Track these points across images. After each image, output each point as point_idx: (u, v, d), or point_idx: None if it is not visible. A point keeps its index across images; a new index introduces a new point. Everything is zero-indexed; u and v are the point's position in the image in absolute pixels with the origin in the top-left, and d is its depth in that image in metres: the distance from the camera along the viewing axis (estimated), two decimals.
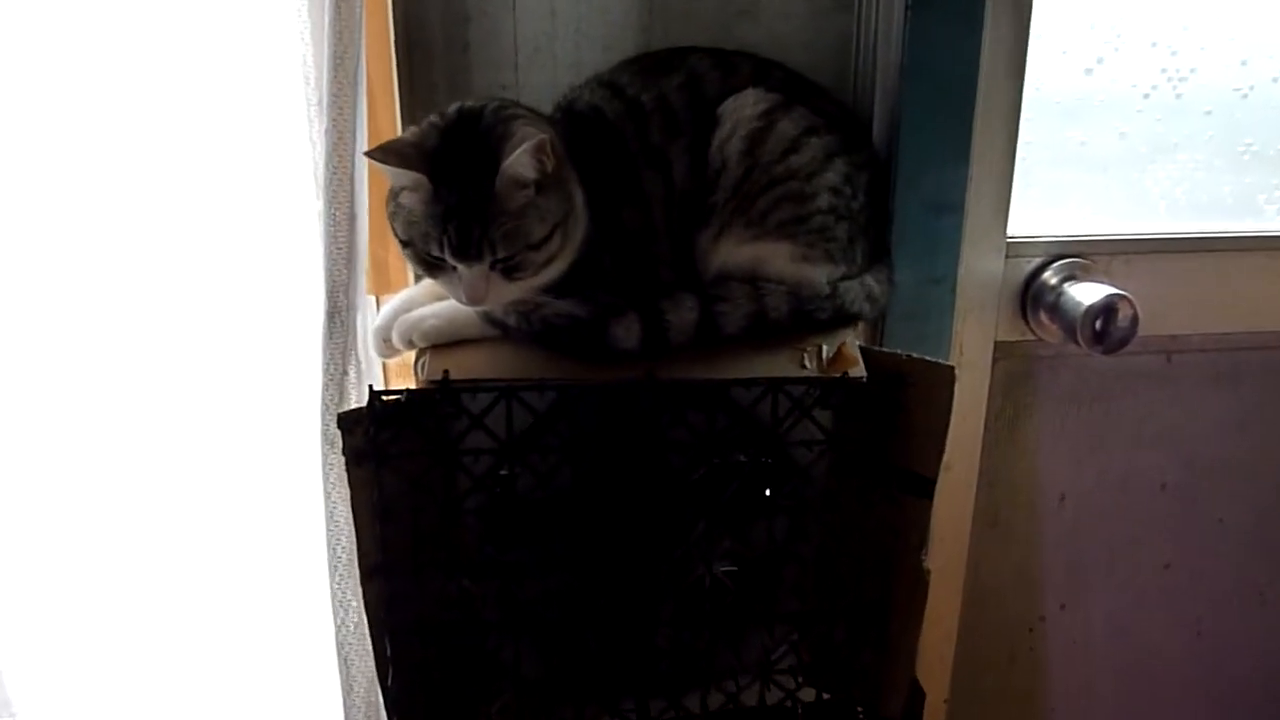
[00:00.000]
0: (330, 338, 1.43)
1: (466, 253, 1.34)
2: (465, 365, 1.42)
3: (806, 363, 1.52)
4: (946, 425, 1.41)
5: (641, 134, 1.51)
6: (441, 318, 1.52)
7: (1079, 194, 1.94)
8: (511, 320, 1.47)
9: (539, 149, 1.30)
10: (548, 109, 1.53)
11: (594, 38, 1.67)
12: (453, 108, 1.41)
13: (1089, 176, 1.93)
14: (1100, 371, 2.02)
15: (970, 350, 1.90)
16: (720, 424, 1.42)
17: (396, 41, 1.57)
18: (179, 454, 1.83)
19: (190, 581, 1.91)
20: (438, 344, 1.49)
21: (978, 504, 2.00)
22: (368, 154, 1.33)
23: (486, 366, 1.43)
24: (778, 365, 1.45)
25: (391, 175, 1.33)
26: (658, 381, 1.40)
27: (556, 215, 1.37)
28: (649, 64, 1.58)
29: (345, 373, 1.48)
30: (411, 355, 1.50)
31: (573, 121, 1.50)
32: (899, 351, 1.48)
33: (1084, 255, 1.91)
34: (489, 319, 1.47)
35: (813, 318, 1.51)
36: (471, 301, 1.38)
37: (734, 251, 1.53)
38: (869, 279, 1.61)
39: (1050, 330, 1.91)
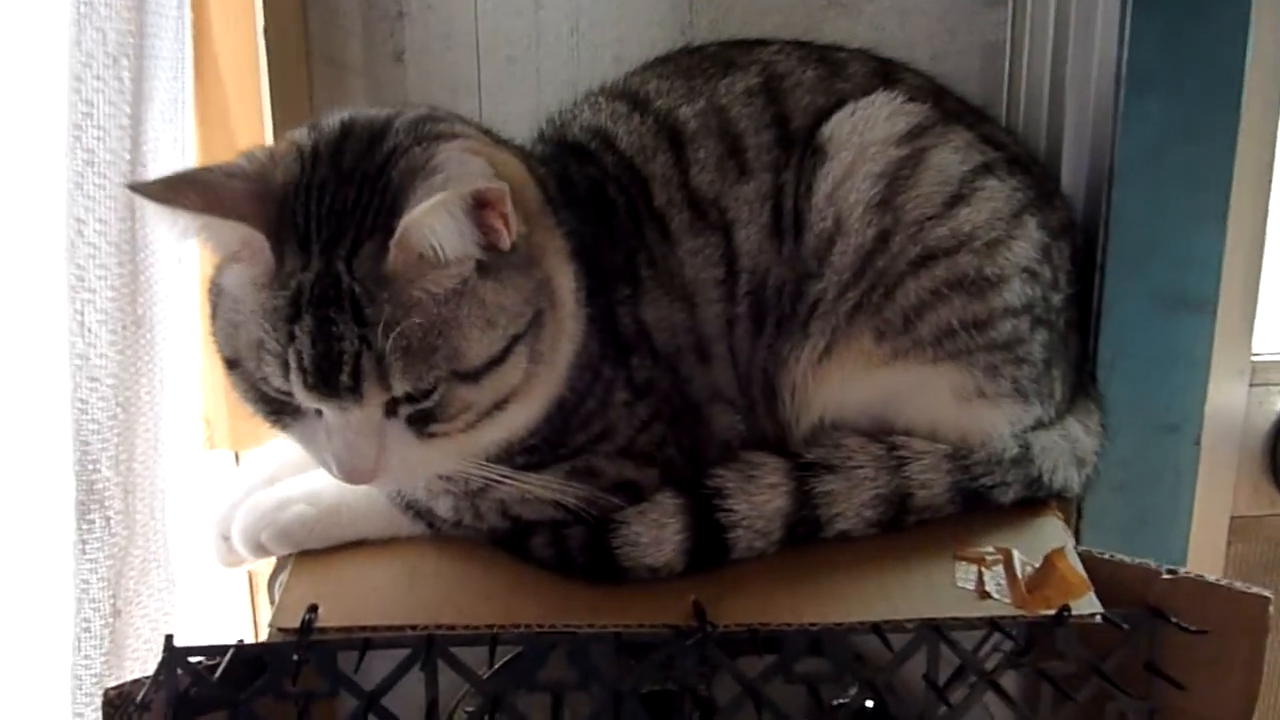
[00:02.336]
0: (83, 549, 0.89)
1: (332, 386, 0.83)
2: (354, 594, 0.98)
3: (988, 585, 1.01)
4: (1253, 696, 0.99)
5: (679, 175, 1.05)
6: (318, 503, 1.02)
7: None
8: (445, 509, 1.01)
9: (481, 202, 0.82)
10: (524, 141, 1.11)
11: (600, 41, 1.33)
12: (335, 118, 0.92)
13: None
14: None
15: (1195, 528, 1.38)
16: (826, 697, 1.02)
17: (272, 43, 1.18)
18: None
19: None
20: (308, 549, 1.02)
21: None
22: (132, 187, 0.82)
23: (394, 597, 0.97)
24: (929, 589, 1.01)
25: (203, 235, 0.84)
26: (712, 629, 0.93)
27: (517, 318, 0.89)
28: (692, 62, 1.13)
29: (116, 609, 0.91)
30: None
31: (564, 161, 1.05)
32: (1147, 562, 1.04)
33: None
34: (407, 505, 1.03)
35: (990, 499, 1.06)
36: (351, 476, 0.87)
37: (853, 382, 1.06)
38: (1073, 426, 1.16)
39: None
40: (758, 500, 0.98)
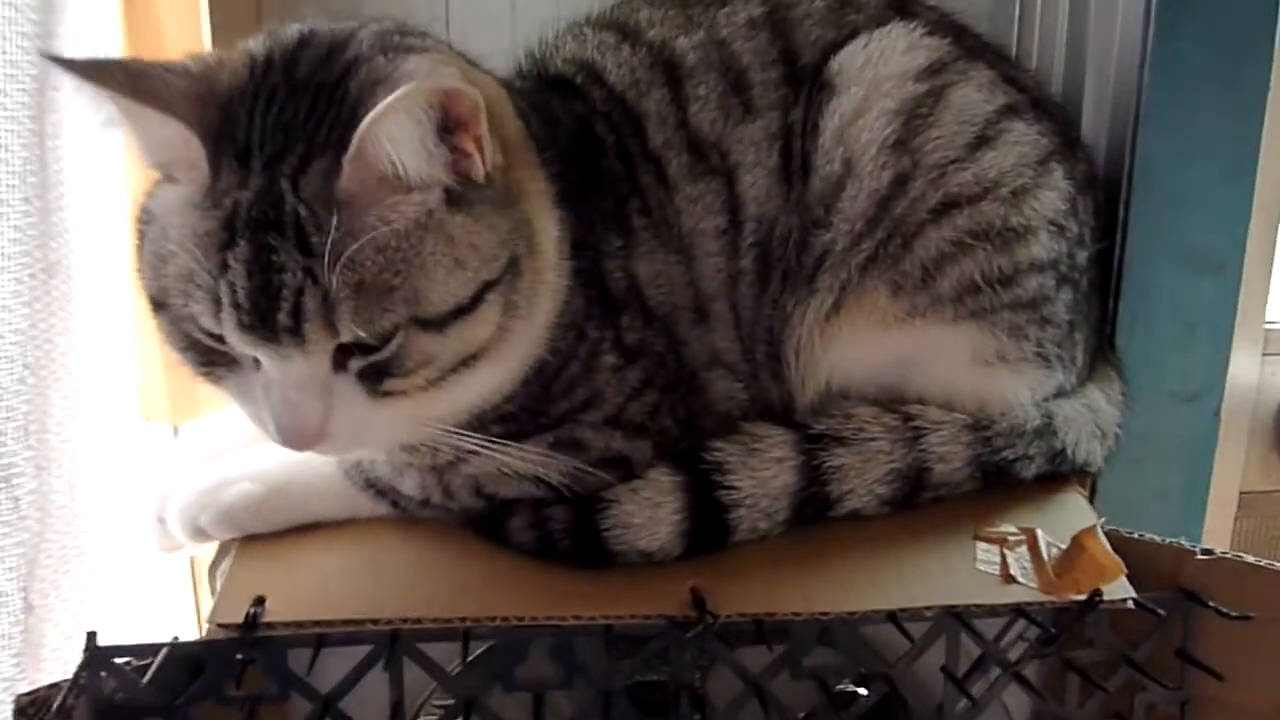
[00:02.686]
0: None
1: (270, 327, 0.71)
2: (307, 584, 0.86)
3: (1012, 568, 0.91)
4: None
5: (676, 114, 0.94)
6: (265, 480, 0.90)
7: None
8: (411, 486, 0.90)
9: (450, 115, 0.71)
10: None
11: None
12: (293, 28, 0.80)
13: None
14: None
15: None
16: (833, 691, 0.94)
17: None
18: None
19: None
20: (254, 533, 0.90)
21: None
22: (52, 58, 0.72)
23: (353, 587, 0.86)
24: (948, 573, 0.92)
25: (131, 130, 0.72)
26: (714, 620, 0.83)
27: (491, 261, 0.77)
28: None
29: (29, 603, 0.79)
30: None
31: (545, 96, 0.93)
32: (1179, 541, 0.96)
33: None
34: (367, 481, 0.91)
35: (1011, 473, 0.98)
36: (291, 439, 0.75)
37: (865, 343, 0.96)
38: (1094, 395, 1.07)
39: None
40: (762, 476, 0.88)
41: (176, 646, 0.82)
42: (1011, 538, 0.94)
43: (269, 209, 0.70)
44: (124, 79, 0.70)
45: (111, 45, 0.89)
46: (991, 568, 0.92)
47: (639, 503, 0.86)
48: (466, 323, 0.75)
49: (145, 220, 0.75)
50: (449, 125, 0.70)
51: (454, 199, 0.73)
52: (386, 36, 0.79)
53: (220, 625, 0.81)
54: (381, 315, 0.71)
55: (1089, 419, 1.02)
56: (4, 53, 0.69)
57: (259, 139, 0.72)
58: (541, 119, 0.87)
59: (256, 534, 0.90)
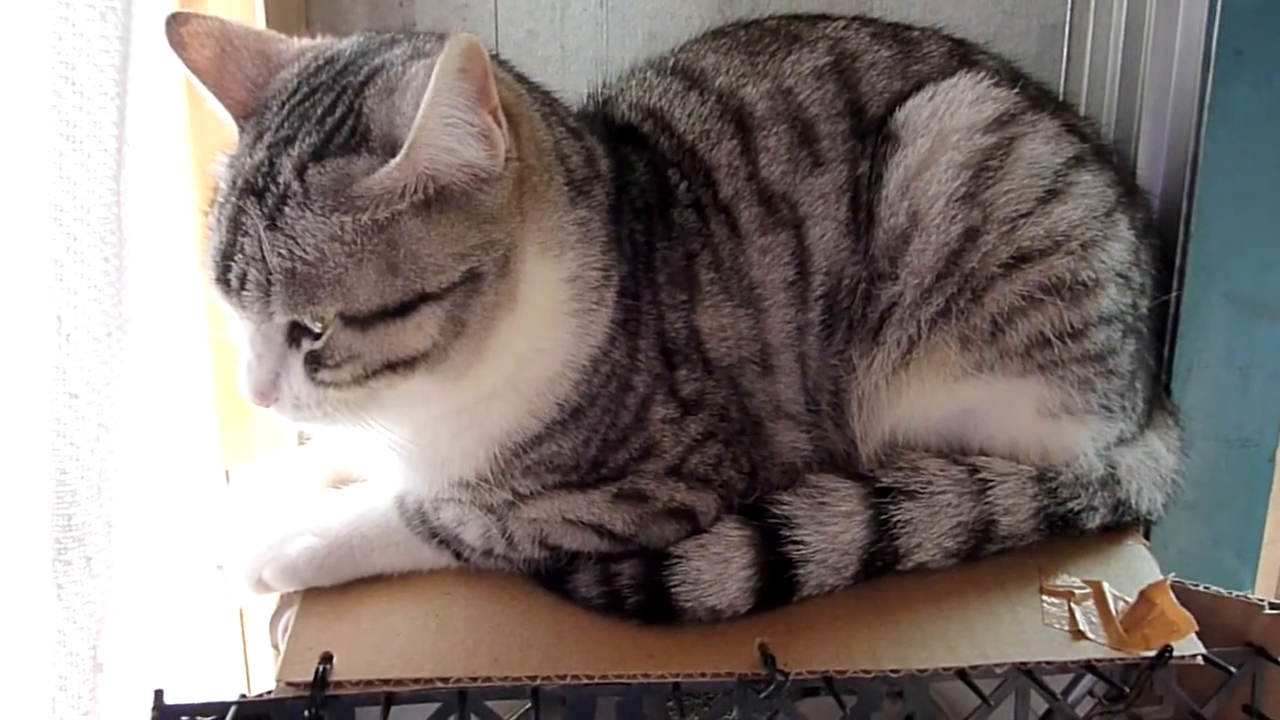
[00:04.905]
0: (60, 596, 0.72)
1: (225, 283, 0.76)
2: (372, 641, 0.84)
3: (1081, 623, 0.90)
4: None
5: (747, 165, 0.92)
6: (327, 534, 0.88)
7: None
8: (474, 535, 0.89)
9: (474, 61, 0.70)
10: None
11: (631, 15, 1.21)
12: (362, 33, 0.85)
13: None
14: None
15: None
16: None
17: (271, 10, 1.10)
18: None
19: None
20: (316, 585, 0.89)
21: None
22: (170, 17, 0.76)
23: (418, 643, 0.84)
24: (1016, 628, 0.89)
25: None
26: (784, 678, 0.81)
27: (432, 273, 0.75)
28: (751, 36, 1.00)
29: (98, 662, 0.75)
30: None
31: (613, 142, 0.91)
32: (1246, 595, 0.95)
33: None
34: (430, 531, 0.89)
35: (1076, 524, 0.96)
36: (247, 392, 0.78)
37: (932, 395, 0.94)
38: (1155, 442, 1.05)
39: None
40: (831, 531, 0.86)
41: (244, 705, 0.81)
42: (1078, 591, 0.92)
43: (260, 178, 0.74)
44: (207, 53, 0.77)
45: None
46: (1060, 623, 0.89)
47: (708, 558, 0.84)
48: (393, 328, 0.74)
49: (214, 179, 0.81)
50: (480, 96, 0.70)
51: (425, 202, 0.73)
52: (421, 45, 0.80)
53: (289, 684, 0.79)
54: (309, 304, 0.72)
55: (1151, 468, 1.00)
56: (83, 99, 0.69)
57: (277, 124, 0.77)
58: (614, 163, 0.86)
59: (317, 588, 0.88)
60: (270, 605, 0.93)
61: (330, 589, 0.88)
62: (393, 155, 0.71)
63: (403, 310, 0.73)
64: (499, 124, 0.73)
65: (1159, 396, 1.08)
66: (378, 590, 0.88)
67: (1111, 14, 1.20)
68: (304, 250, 0.71)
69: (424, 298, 0.73)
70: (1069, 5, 1.24)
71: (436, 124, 0.69)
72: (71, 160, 0.66)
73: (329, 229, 0.71)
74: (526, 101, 0.81)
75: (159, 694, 0.79)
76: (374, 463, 0.91)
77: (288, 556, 0.85)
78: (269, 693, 0.81)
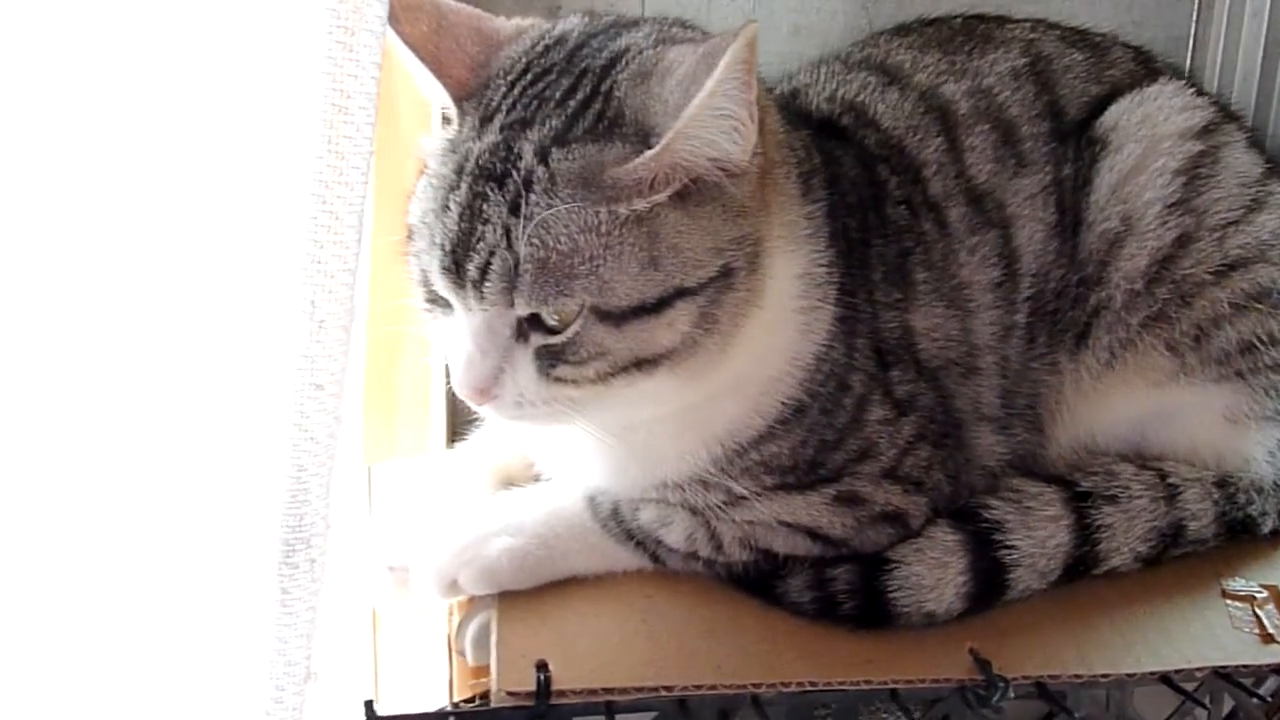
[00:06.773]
0: (284, 601, 0.66)
1: (460, 274, 0.72)
2: (583, 648, 0.80)
3: (1269, 627, 0.89)
4: None
5: (954, 163, 0.90)
6: (523, 534, 0.84)
7: None
8: (677, 537, 0.85)
9: (753, 50, 0.67)
10: None
11: (777, 9, 1.16)
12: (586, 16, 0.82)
13: None
14: None
15: None
16: None
17: None
18: None
19: None
20: (509, 589, 0.84)
21: None
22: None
23: (632, 650, 0.81)
24: (1208, 632, 0.88)
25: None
26: (1004, 684, 0.79)
27: (692, 268, 0.72)
28: (941, 35, 0.98)
29: (310, 670, 0.69)
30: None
31: (813, 134, 0.88)
32: None
33: None
34: (628, 533, 0.86)
35: (1253, 529, 0.95)
36: (463, 388, 0.73)
37: (1134, 400, 0.93)
38: None
39: None
40: (1039, 535, 0.85)
41: (460, 716, 0.77)
42: (1259, 595, 0.91)
43: (498, 162, 0.71)
44: (421, 28, 0.74)
45: None
46: (1248, 626, 0.89)
47: (927, 563, 0.82)
48: (647, 324, 0.71)
49: (423, 157, 0.77)
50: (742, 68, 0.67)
51: (683, 194, 0.70)
52: (665, 30, 0.77)
53: (510, 693, 0.75)
54: (558, 297, 0.69)
55: None
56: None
57: (508, 105, 0.73)
58: (822, 157, 0.83)
59: (512, 591, 0.83)
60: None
61: (524, 593, 0.83)
62: (644, 143, 0.68)
63: (659, 306, 0.70)
64: (753, 118, 0.70)
65: None
66: (574, 594, 0.84)
67: (1245, 25, 1.20)
68: (557, 240, 0.68)
69: (681, 293, 0.70)
70: (1193, 16, 1.24)
71: (708, 114, 0.66)
72: (341, 133, 0.62)
73: (582, 218, 0.68)
74: (763, 92, 0.78)
75: (369, 704, 0.74)
76: (562, 462, 0.87)
77: (487, 558, 0.81)
78: (483, 702, 0.77)
